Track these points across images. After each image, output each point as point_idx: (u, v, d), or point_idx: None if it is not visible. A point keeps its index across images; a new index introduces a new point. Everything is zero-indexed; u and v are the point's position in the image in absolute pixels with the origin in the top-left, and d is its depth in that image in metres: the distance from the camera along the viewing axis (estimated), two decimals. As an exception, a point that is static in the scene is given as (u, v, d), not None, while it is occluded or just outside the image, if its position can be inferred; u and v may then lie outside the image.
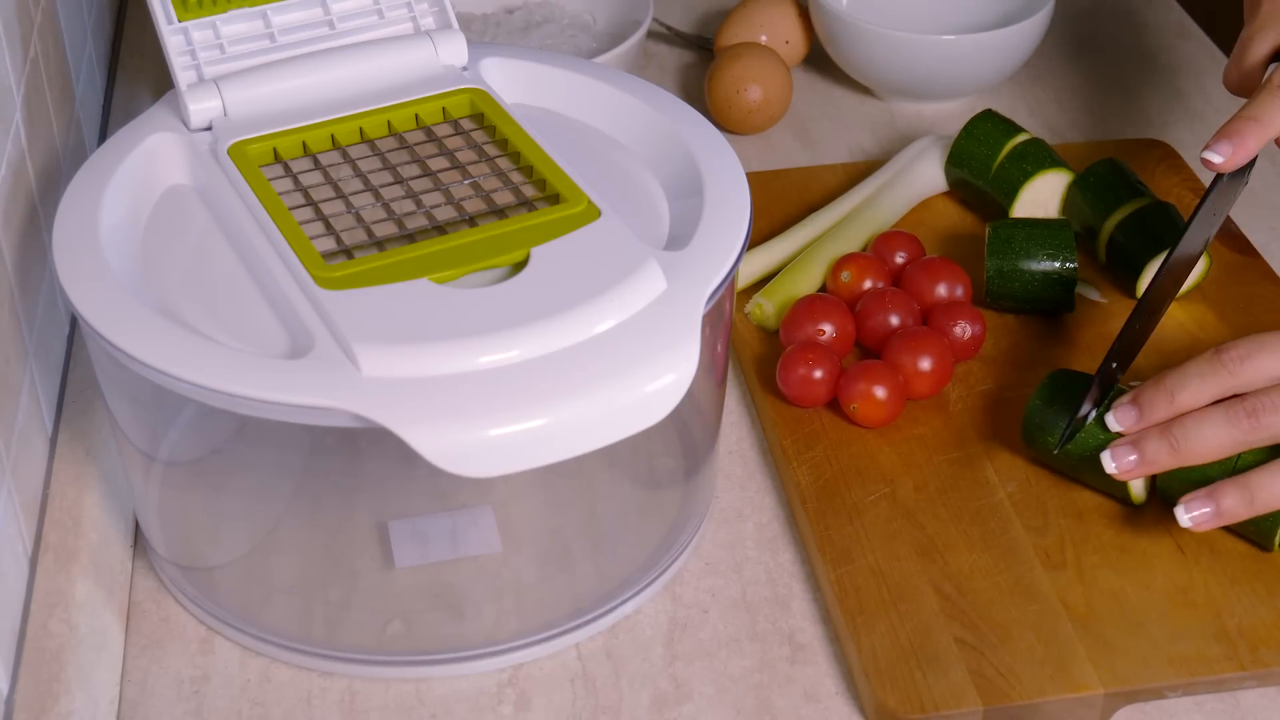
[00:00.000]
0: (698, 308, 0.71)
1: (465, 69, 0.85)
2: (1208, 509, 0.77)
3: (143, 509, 0.80)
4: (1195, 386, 0.78)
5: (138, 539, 0.83)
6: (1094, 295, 0.97)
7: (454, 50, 0.85)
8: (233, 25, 0.82)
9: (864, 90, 1.19)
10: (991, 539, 0.81)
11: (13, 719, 0.69)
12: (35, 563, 0.76)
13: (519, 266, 0.72)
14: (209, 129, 0.81)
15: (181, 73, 0.81)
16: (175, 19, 0.81)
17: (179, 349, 0.68)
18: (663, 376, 0.68)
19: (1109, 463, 0.79)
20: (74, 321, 0.89)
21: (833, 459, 0.86)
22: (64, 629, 0.73)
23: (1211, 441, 0.77)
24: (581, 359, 0.68)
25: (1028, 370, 0.91)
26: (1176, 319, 0.95)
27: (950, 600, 0.78)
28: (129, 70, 1.13)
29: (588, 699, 0.76)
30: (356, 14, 0.85)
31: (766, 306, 0.94)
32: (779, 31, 1.18)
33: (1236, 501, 0.77)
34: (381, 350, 0.67)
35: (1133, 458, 0.78)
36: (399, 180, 0.79)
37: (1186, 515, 0.77)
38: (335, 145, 0.81)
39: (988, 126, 1.02)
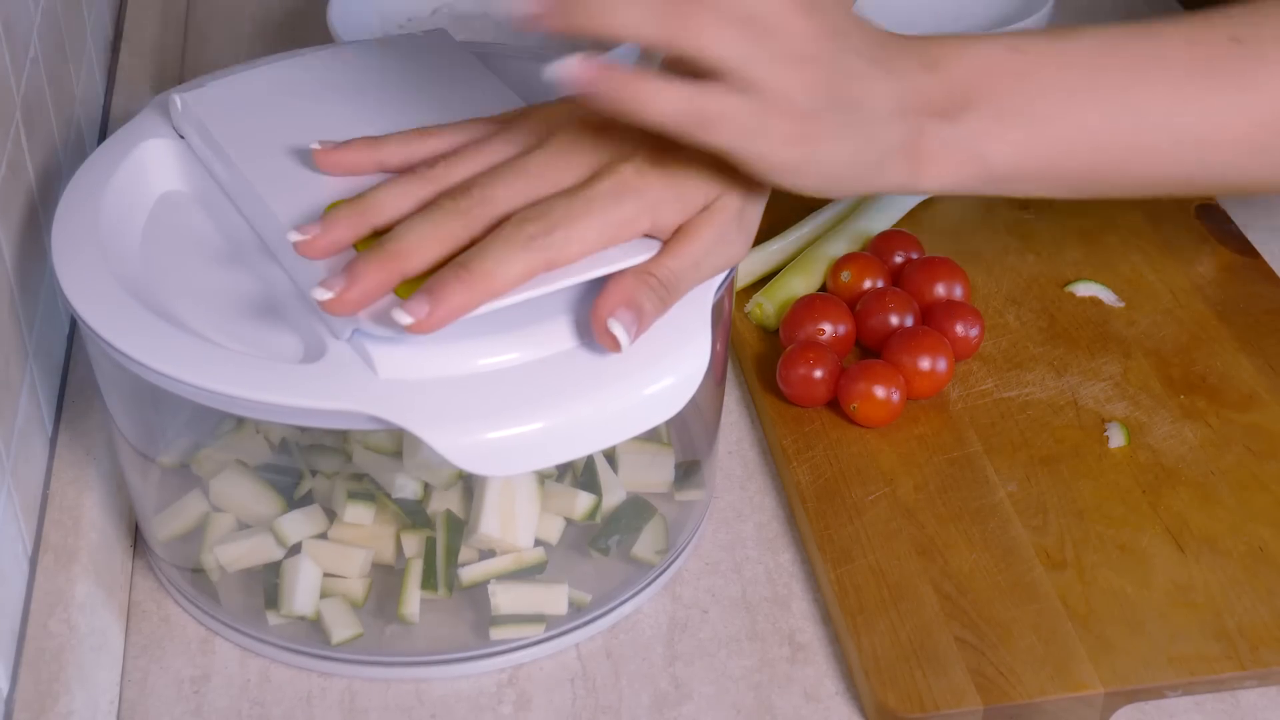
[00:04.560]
0: (705, 300, 0.71)
1: None
2: None
3: (142, 509, 0.80)
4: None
5: (137, 539, 0.83)
6: (1106, 296, 0.97)
7: None
8: None
9: (864, 90, 1.19)
10: (991, 538, 0.81)
11: (13, 719, 0.69)
12: (35, 563, 0.76)
13: None
14: (204, 133, 0.81)
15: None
16: None
17: (197, 357, 0.68)
18: (680, 367, 0.69)
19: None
20: (74, 321, 0.89)
21: (833, 459, 0.86)
22: (64, 629, 0.73)
23: (629, 23, 0.64)
24: (598, 355, 0.68)
25: (1028, 370, 0.91)
26: (1176, 318, 0.95)
27: (950, 599, 0.78)
28: (129, 70, 1.13)
29: (588, 699, 0.76)
30: None
31: (766, 306, 0.94)
32: (779, 31, 1.18)
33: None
34: (398, 353, 0.67)
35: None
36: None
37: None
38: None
39: None
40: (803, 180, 0.70)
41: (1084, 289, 0.97)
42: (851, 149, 0.70)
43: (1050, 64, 0.73)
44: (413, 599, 0.76)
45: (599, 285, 0.70)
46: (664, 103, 0.65)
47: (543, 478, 0.78)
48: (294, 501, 0.78)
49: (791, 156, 0.68)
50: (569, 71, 0.64)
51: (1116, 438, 0.87)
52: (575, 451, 0.68)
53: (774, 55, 0.66)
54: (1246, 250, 1.00)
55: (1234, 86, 0.74)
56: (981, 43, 0.74)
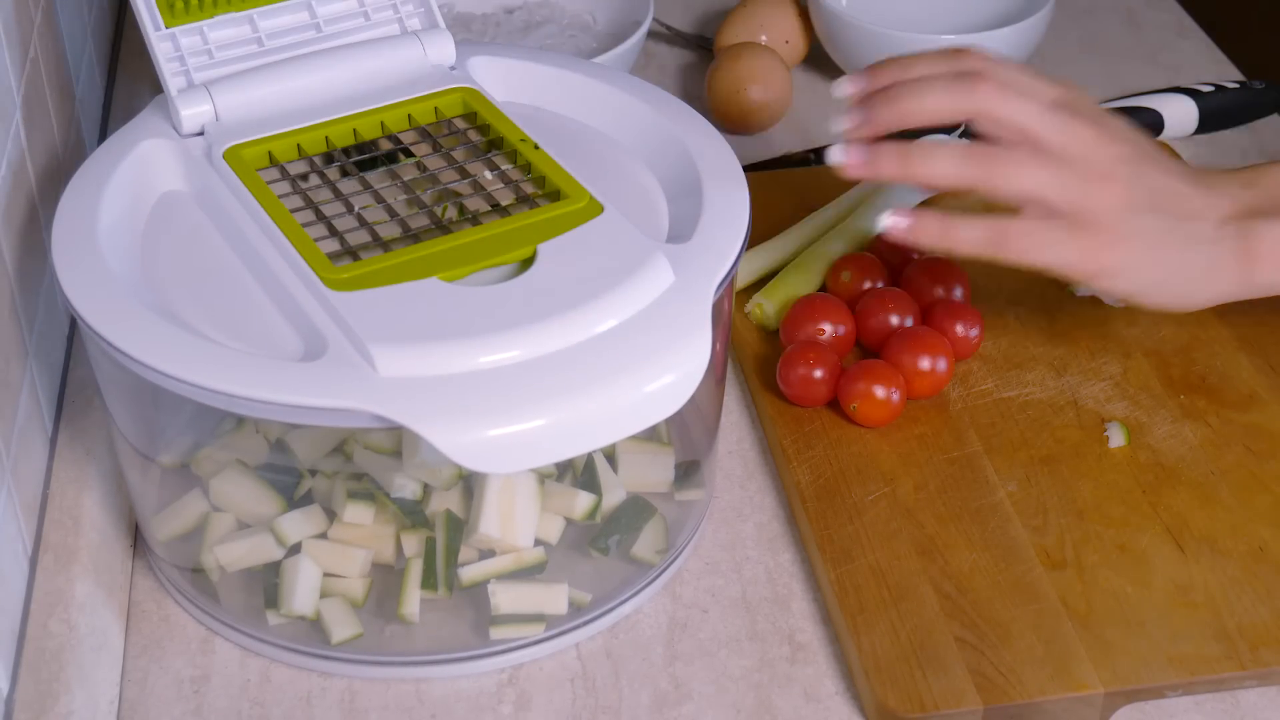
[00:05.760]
0: (707, 297, 0.71)
1: (453, 68, 0.85)
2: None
3: (142, 509, 0.80)
4: (927, 94, 0.78)
5: (137, 539, 0.83)
6: (1106, 296, 0.97)
7: (442, 49, 0.85)
8: (220, 30, 0.82)
9: (864, 90, 1.19)
10: (991, 538, 0.81)
11: (13, 719, 0.69)
12: (35, 563, 0.76)
13: (526, 263, 0.73)
14: (201, 134, 0.81)
15: (171, 79, 0.81)
16: (162, 25, 0.81)
17: (197, 356, 0.68)
18: (680, 365, 0.69)
19: (836, 155, 0.77)
20: (74, 321, 0.89)
21: (833, 459, 0.86)
22: (64, 629, 0.73)
23: (942, 171, 0.77)
24: (600, 352, 0.68)
25: (1028, 370, 0.91)
26: (1176, 317, 0.95)
27: (950, 599, 0.78)
28: (129, 70, 1.13)
29: (588, 699, 0.76)
30: (342, 16, 0.85)
31: (766, 306, 0.94)
32: (779, 31, 1.18)
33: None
34: (398, 350, 0.67)
35: (863, 158, 0.77)
36: (397, 180, 0.79)
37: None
38: (330, 147, 0.81)
39: None
40: (1122, 283, 0.79)
41: (1084, 289, 0.97)
42: (1177, 257, 0.79)
43: None
44: (413, 599, 0.76)
45: (592, 276, 0.70)
46: (966, 233, 0.77)
47: (543, 477, 0.78)
48: (294, 501, 0.78)
49: (1104, 261, 0.78)
50: (895, 225, 0.77)
51: (1116, 438, 0.87)
52: (575, 449, 0.68)
53: (1071, 180, 0.77)
54: (1246, 250, 1.00)
55: None
56: None
